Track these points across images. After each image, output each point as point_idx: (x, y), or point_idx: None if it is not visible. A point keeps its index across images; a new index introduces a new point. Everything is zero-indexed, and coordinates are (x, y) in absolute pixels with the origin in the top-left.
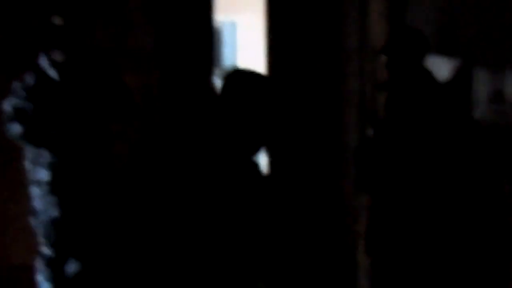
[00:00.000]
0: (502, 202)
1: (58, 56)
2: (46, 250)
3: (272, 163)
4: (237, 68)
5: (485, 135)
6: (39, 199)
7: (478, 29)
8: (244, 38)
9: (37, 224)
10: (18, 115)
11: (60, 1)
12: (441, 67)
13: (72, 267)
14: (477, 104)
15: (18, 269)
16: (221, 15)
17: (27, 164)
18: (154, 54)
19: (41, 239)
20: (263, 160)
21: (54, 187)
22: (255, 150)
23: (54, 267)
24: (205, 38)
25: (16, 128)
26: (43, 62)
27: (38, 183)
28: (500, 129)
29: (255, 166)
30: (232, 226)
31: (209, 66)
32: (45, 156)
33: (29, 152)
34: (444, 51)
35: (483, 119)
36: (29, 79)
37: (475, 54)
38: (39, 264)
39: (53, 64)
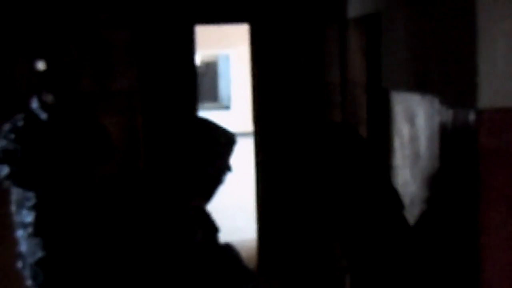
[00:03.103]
0: None
1: (49, 99)
2: None
3: (260, 189)
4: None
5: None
6: (25, 241)
7: (447, 66)
8: (237, 69)
9: (24, 267)
10: (6, 156)
11: (49, 45)
12: (413, 103)
13: None
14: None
15: None
16: (216, 49)
17: (12, 207)
18: (137, 95)
19: (28, 281)
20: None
21: (39, 229)
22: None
23: None
24: (187, 77)
25: (3, 170)
26: (34, 104)
27: (23, 225)
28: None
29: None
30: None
31: (192, 104)
32: (31, 198)
33: (15, 194)
34: (416, 86)
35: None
36: (20, 121)
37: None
38: None
39: (44, 106)
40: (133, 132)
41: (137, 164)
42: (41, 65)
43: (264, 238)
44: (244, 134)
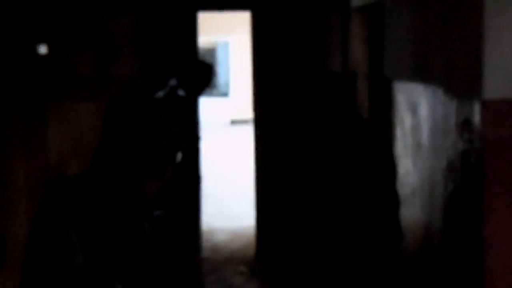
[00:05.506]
0: None
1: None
2: None
3: (259, 173)
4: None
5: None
6: None
7: (451, 56)
8: (236, 57)
9: None
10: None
11: (51, 30)
12: (415, 93)
13: None
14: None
15: None
16: (215, 36)
17: None
18: (139, 81)
19: None
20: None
21: None
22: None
23: None
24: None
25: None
26: (173, 82)
27: None
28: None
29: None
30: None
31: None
32: None
33: None
34: (419, 76)
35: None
36: (161, 93)
37: (448, 80)
38: None
39: (181, 85)
40: None
41: None
42: (43, 49)
43: (263, 226)
44: (242, 121)
